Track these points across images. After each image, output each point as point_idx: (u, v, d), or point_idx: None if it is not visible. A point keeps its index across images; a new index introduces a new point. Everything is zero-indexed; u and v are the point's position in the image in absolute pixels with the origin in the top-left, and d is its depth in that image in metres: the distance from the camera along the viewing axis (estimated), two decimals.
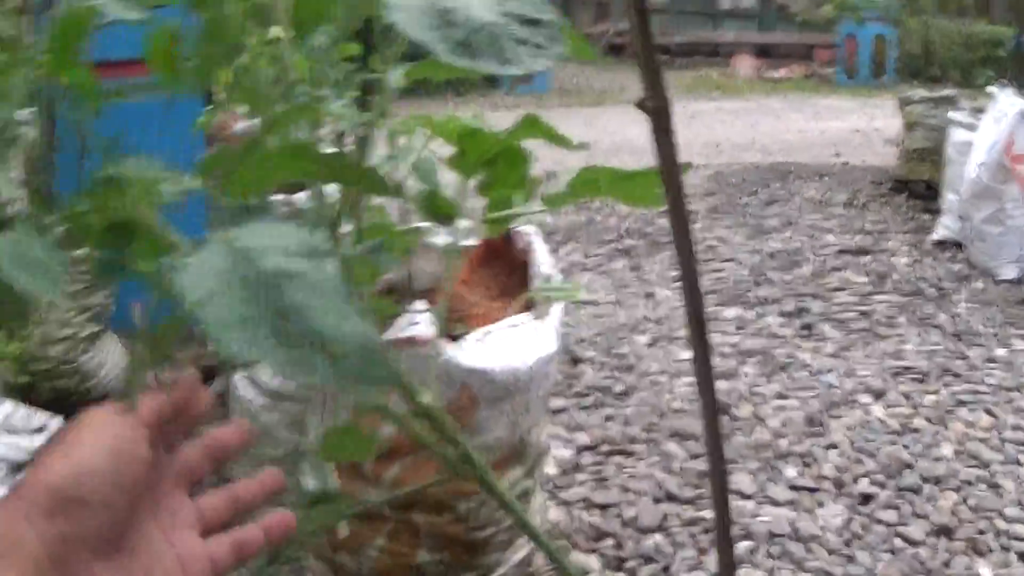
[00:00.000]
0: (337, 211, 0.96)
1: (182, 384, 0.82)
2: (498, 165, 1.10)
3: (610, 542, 3.29)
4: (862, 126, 11.72)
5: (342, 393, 2.25)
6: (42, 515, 0.67)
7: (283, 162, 0.80)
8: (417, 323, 2.13)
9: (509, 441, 2.31)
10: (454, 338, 2.21)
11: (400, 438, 2.19)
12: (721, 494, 1.00)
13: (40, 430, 2.84)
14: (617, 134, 10.94)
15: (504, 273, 2.77)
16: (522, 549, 2.53)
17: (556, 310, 2.45)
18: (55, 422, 2.90)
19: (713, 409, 0.95)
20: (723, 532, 1.03)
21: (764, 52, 18.71)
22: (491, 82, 13.10)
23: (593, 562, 3.18)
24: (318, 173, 0.86)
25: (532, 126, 1.07)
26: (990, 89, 6.18)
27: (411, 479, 2.24)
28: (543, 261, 2.57)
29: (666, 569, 3.17)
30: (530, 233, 2.67)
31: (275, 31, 0.95)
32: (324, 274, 0.65)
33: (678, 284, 5.07)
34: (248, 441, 0.87)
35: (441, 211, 1.12)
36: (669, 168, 0.88)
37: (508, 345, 2.23)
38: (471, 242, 2.67)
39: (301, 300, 0.63)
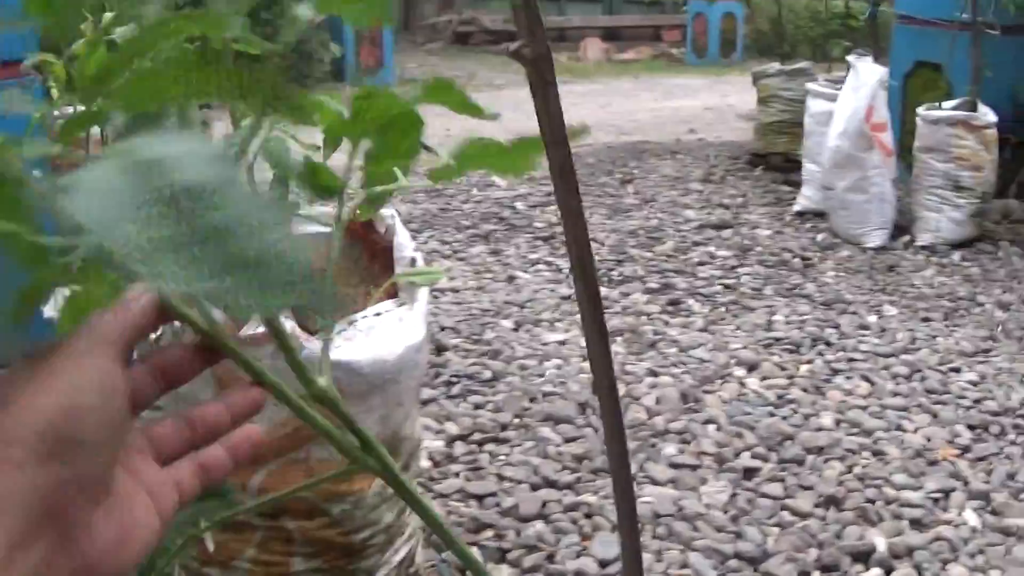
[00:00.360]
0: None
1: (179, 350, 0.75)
2: (391, 132, 0.96)
3: (490, 533, 3.14)
4: (715, 103, 11.74)
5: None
6: (34, 460, 0.60)
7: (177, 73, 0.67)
8: None
9: (381, 436, 2.16)
10: (313, 332, 2.04)
11: (264, 443, 2.02)
12: (624, 480, 0.92)
13: None
14: (469, 122, 10.76)
15: (365, 259, 2.60)
16: (402, 549, 2.38)
17: (423, 295, 2.30)
18: None
19: (612, 393, 0.87)
20: (628, 522, 0.94)
21: (612, 35, 18.69)
22: (336, 76, 12.89)
23: (474, 555, 3.01)
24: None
25: (442, 91, 0.92)
26: (849, 58, 6.15)
27: (278, 485, 2.09)
28: (406, 245, 2.41)
29: (550, 557, 3.03)
30: (391, 216, 2.51)
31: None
32: (246, 188, 0.57)
33: (539, 267, 4.96)
34: (203, 362, 0.76)
35: (325, 185, 1.00)
36: (554, 121, 0.75)
37: (374, 335, 2.08)
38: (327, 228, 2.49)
39: (229, 219, 0.54)
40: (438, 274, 3.17)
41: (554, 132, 0.79)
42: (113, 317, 0.69)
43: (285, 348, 0.77)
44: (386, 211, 2.52)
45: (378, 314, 2.15)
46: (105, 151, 0.58)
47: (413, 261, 2.38)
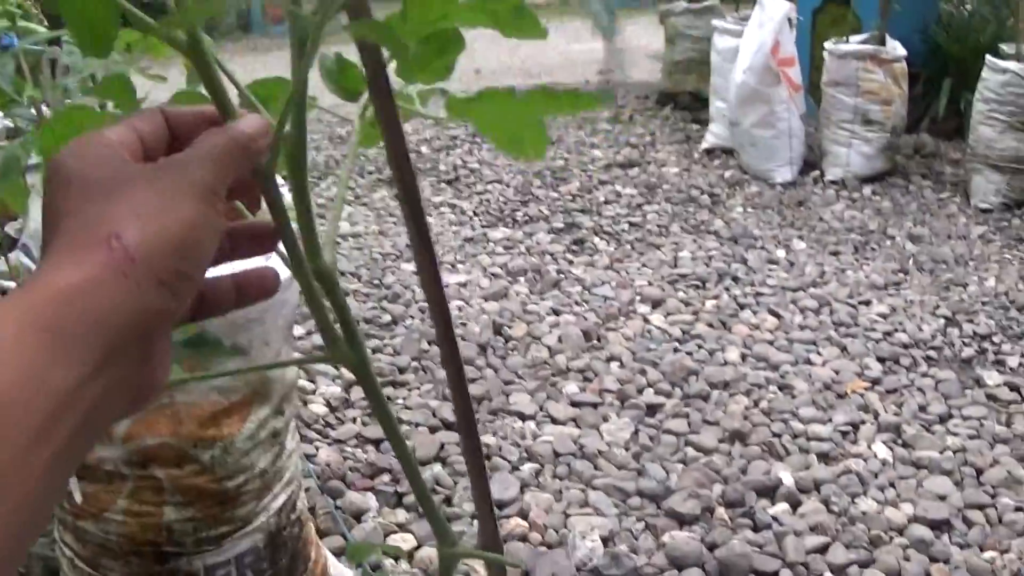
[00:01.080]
0: None
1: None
2: (429, 45, 0.91)
3: (386, 478, 3.02)
4: (623, 44, 11.63)
5: None
6: (152, 285, 0.64)
7: None
8: None
9: (248, 378, 2.04)
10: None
11: None
12: (463, 401, 0.85)
13: None
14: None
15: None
16: (280, 496, 2.25)
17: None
18: None
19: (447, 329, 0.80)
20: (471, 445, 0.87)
21: None
22: (244, 28, 12.66)
23: (370, 500, 2.90)
24: None
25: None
26: None
27: (143, 433, 1.96)
28: (278, 180, 2.27)
29: (448, 500, 2.92)
30: None
31: None
32: None
33: (443, 210, 4.83)
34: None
35: (349, 85, 0.97)
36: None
37: (239, 270, 1.94)
38: None
39: None
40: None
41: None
42: (217, 143, 0.71)
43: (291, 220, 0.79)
44: None
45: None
46: None
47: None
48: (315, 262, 0.80)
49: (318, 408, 3.38)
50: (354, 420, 3.35)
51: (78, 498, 2.08)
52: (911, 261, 4.72)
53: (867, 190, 5.74)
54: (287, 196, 0.80)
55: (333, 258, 0.81)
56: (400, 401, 3.44)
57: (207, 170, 0.69)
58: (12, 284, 2.65)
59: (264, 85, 0.96)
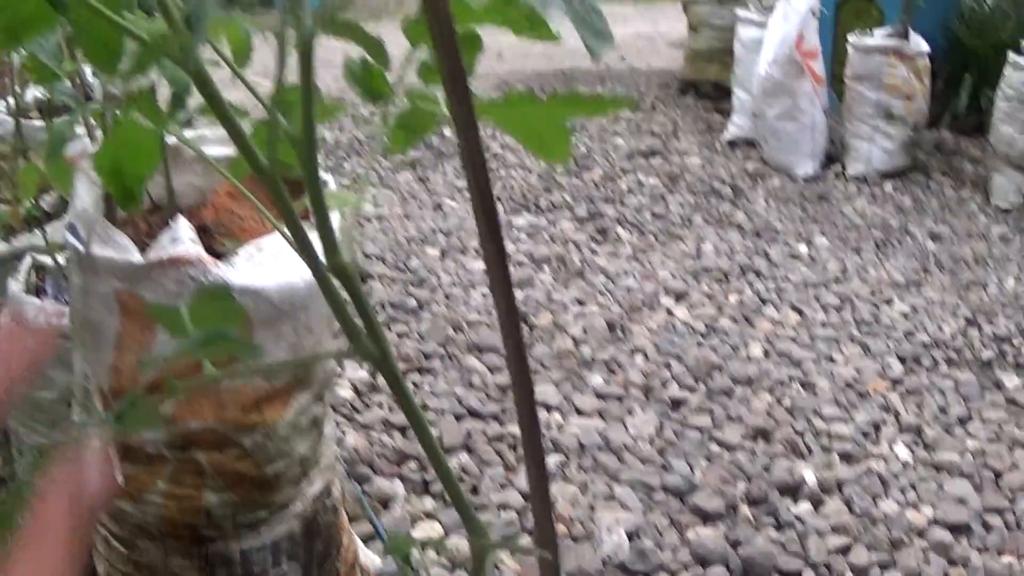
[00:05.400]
0: None
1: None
2: None
3: (413, 465, 3.06)
4: (645, 30, 11.61)
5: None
6: None
7: None
8: (180, 240, 1.85)
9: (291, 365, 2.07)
10: (221, 255, 1.93)
11: (171, 370, 1.93)
12: (528, 407, 0.86)
13: None
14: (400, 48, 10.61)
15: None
16: (317, 481, 2.29)
17: (335, 218, 2.19)
18: None
19: (514, 319, 0.81)
20: (533, 447, 0.89)
21: None
22: (266, 3, 12.66)
23: (397, 487, 2.94)
24: None
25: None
26: None
27: (187, 416, 2.00)
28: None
29: (474, 489, 2.96)
30: None
31: None
32: None
33: (467, 194, 4.84)
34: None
35: (376, 89, 0.99)
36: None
37: (283, 260, 1.97)
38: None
39: None
40: (347, 199, 3.07)
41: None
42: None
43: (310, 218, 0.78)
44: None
45: (286, 237, 2.04)
46: None
47: (324, 183, 2.28)
48: (333, 260, 0.82)
49: (345, 392, 3.41)
50: (380, 405, 3.38)
51: (120, 479, 2.11)
52: (931, 260, 4.75)
53: (888, 186, 5.76)
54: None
55: (351, 255, 0.82)
56: (426, 388, 3.47)
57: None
58: (49, 260, 2.69)
59: (289, 92, 1.00)
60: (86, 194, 2.09)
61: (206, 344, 1.05)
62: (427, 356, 3.69)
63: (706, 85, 7.82)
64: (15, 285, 2.64)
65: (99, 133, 2.39)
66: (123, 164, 1.13)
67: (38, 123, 3.17)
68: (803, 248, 4.84)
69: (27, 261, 2.80)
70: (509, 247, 4.73)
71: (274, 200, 0.82)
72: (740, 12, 6.78)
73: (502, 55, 9.65)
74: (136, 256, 1.91)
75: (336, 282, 0.83)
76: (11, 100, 3.26)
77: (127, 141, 1.09)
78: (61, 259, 2.70)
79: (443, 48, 0.75)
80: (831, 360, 3.74)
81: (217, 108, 0.79)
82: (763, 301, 4.23)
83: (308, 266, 0.82)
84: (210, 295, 1.17)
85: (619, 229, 5.07)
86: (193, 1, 0.71)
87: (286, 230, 0.81)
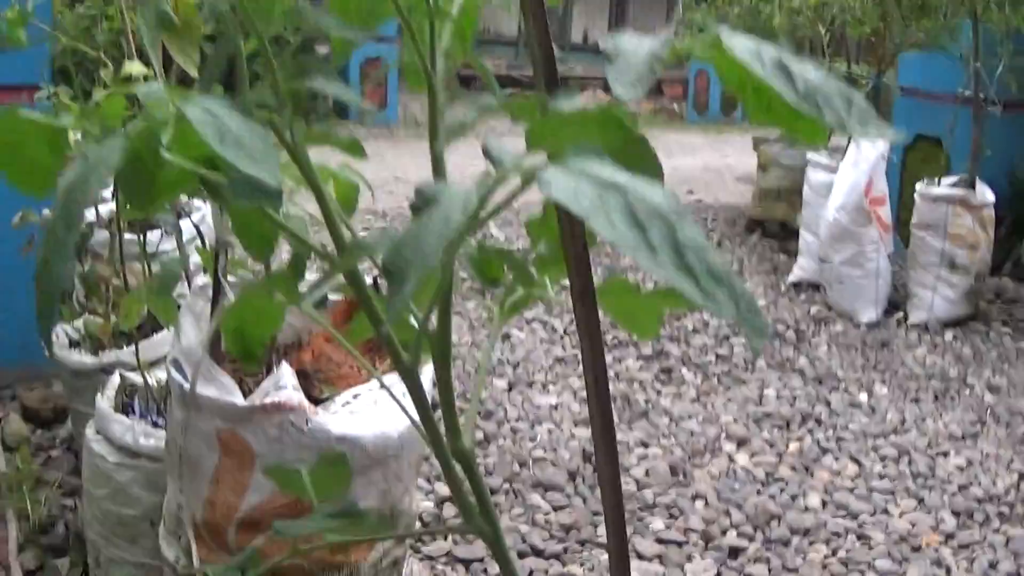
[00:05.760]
0: None
1: None
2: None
3: None
4: (714, 163, 11.74)
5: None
6: None
7: None
8: (283, 386, 1.98)
9: (380, 511, 2.18)
10: (318, 401, 2.06)
11: (265, 508, 2.05)
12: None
13: None
14: (468, 168, 10.76)
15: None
16: None
17: (428, 368, 2.31)
18: None
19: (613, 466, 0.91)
20: None
21: None
22: (340, 114, 12.89)
23: None
24: None
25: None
26: None
27: (275, 552, 2.10)
28: None
29: None
30: None
31: None
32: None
33: (533, 325, 4.93)
34: None
35: (491, 276, 1.09)
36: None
37: (378, 408, 2.09)
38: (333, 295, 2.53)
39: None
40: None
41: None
42: None
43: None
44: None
45: (383, 386, 2.16)
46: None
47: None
48: (456, 443, 0.89)
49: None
50: (445, 538, 3.48)
51: None
52: (988, 412, 4.81)
53: (948, 335, 5.83)
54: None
55: (472, 440, 0.88)
56: None
57: None
58: (138, 378, 2.81)
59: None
60: (191, 331, 2.22)
61: (332, 518, 1.16)
62: (492, 491, 3.78)
63: (773, 224, 7.90)
64: (103, 401, 2.76)
65: (203, 276, 2.54)
66: (247, 327, 1.23)
67: (128, 235, 3.21)
68: (863, 396, 4.92)
69: (115, 379, 2.92)
70: (575, 382, 4.84)
71: (404, 381, 0.92)
72: (811, 155, 6.87)
73: None
74: (239, 398, 2.04)
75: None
76: (107, 208, 3.38)
77: (254, 307, 1.19)
78: (151, 378, 2.82)
79: (577, 271, 0.87)
80: (887, 512, 3.81)
81: (359, 292, 0.90)
82: (823, 450, 4.31)
83: (432, 447, 0.89)
84: (329, 462, 1.30)
85: (683, 370, 5.17)
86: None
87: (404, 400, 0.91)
